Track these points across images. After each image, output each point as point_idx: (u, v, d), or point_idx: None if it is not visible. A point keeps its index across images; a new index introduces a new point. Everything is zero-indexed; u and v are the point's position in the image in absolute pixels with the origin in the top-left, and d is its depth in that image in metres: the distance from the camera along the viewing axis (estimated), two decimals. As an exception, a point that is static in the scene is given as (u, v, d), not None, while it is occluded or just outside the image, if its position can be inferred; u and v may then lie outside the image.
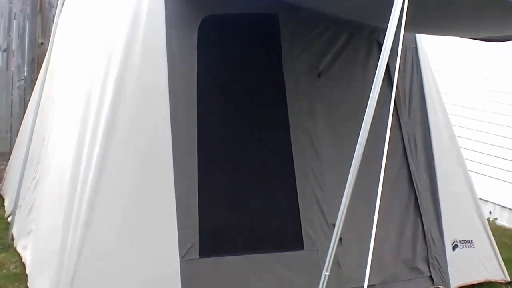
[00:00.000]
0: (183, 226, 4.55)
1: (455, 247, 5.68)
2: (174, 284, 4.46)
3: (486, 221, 6.01)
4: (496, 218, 8.14)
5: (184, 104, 4.70)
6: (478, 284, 5.76)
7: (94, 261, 4.36)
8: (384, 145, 5.34)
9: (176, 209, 4.53)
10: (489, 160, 8.09)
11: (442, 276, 5.56)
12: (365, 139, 3.44)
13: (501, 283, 5.90)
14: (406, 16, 3.30)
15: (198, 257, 4.61)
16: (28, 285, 4.93)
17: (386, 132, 5.36)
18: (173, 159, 4.58)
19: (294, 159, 5.07)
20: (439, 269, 5.55)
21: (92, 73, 4.78)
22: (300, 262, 4.89)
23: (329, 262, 3.40)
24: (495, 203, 8.15)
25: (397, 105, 5.63)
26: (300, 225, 5.02)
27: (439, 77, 6.29)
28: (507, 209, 8.02)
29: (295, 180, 5.05)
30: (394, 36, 5.58)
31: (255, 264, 4.84)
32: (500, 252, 5.98)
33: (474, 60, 8.31)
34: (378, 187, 5.25)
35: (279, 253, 4.93)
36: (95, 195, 4.39)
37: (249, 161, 5.02)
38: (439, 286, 5.53)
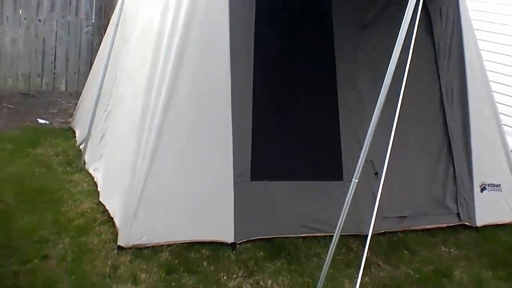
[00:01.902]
0: (237, 153, 5.16)
1: (483, 189, 6.17)
2: (228, 202, 5.09)
3: (515, 168, 6.47)
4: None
5: (242, 48, 5.24)
6: (503, 224, 6.25)
7: (160, 177, 5.01)
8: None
9: (232, 139, 5.14)
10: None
11: (469, 214, 6.08)
12: (389, 84, 4.01)
13: (525, 226, 6.39)
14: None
15: (249, 180, 5.22)
16: (100, 199, 5.65)
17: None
18: (231, 96, 5.16)
19: (338, 99, 5.67)
20: (466, 208, 6.07)
21: (161, 20, 5.32)
22: (339, 191, 5.43)
23: (357, 171, 4.01)
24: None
25: (437, 58, 6.12)
26: (341, 158, 5.61)
27: (479, 35, 6.71)
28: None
29: (339, 118, 5.65)
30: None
31: (299, 190, 5.45)
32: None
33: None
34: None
35: (322, 181, 5.55)
36: (163, 123, 5.01)
37: (298, 99, 5.61)
38: (466, 223, 6.07)
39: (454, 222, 6.05)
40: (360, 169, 4.02)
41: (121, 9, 6.57)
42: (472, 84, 6.25)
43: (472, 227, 6.08)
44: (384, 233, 5.61)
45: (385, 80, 4.03)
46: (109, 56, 6.46)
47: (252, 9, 5.30)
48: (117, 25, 6.49)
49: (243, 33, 5.25)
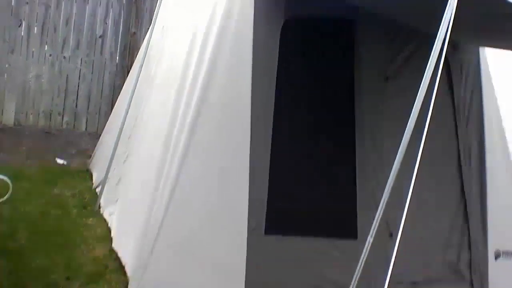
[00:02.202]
0: (252, 205, 5.11)
1: (497, 256, 6.05)
2: (240, 255, 5.02)
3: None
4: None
5: (263, 97, 5.25)
6: (517, 295, 6.15)
7: (173, 230, 4.98)
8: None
9: (249, 189, 5.08)
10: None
11: (482, 283, 5.94)
12: (407, 142, 3.93)
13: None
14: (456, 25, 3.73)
15: (263, 233, 5.19)
16: (113, 246, 5.64)
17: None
18: (250, 144, 5.12)
19: (356, 155, 5.61)
20: (480, 276, 5.95)
21: (185, 61, 5.38)
22: (353, 250, 5.39)
23: (373, 230, 3.99)
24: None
25: (456, 115, 6.07)
26: (356, 216, 5.55)
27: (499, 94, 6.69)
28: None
29: (356, 174, 5.60)
30: (459, 48, 6.01)
31: (313, 246, 5.39)
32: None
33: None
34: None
35: (336, 239, 5.48)
36: (180, 172, 5.01)
37: (315, 152, 5.57)
38: (479, 291, 5.96)
39: (467, 289, 5.95)
40: (376, 227, 3.96)
41: (146, 49, 6.62)
42: (490, 145, 6.18)
43: (485, 295, 5.98)
44: (396, 296, 5.53)
45: (403, 139, 3.96)
46: (132, 96, 6.48)
47: (275, 56, 5.31)
48: (141, 65, 6.53)
49: (265, 79, 5.27)
